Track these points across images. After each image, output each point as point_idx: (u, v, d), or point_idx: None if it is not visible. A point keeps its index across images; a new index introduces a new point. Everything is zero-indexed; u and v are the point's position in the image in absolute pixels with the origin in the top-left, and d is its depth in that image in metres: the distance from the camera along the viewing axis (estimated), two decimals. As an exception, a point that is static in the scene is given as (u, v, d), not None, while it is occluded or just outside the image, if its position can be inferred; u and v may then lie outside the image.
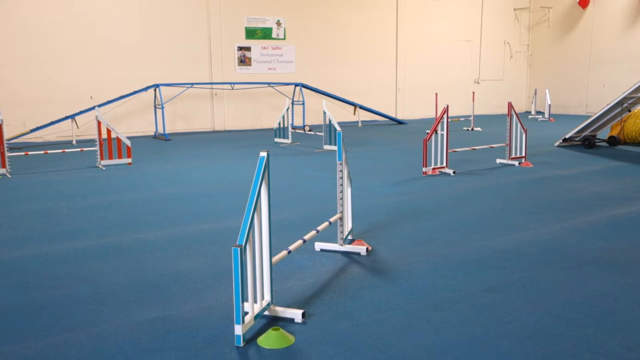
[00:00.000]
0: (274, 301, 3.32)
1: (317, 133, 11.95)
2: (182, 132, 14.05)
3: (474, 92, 15.78)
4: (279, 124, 11.53)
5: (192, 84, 13.65)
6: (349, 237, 4.68)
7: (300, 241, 3.88)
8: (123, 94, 12.61)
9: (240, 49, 14.76)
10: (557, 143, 10.88)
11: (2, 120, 8.05)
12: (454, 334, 3.03)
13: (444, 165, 7.97)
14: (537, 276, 3.90)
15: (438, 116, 8.12)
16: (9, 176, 7.97)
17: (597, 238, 4.80)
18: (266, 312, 3.25)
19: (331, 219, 4.35)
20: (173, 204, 6.24)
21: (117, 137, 8.83)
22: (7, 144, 8.34)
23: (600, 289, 3.66)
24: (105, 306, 3.45)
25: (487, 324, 3.15)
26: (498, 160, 8.80)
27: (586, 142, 10.54)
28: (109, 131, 8.71)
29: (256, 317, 3.10)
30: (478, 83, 19.33)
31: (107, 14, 13.02)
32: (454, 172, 7.86)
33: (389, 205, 6.07)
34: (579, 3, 18.41)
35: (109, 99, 12.47)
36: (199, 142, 12.32)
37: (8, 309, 3.43)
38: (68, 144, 11.60)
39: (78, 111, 11.99)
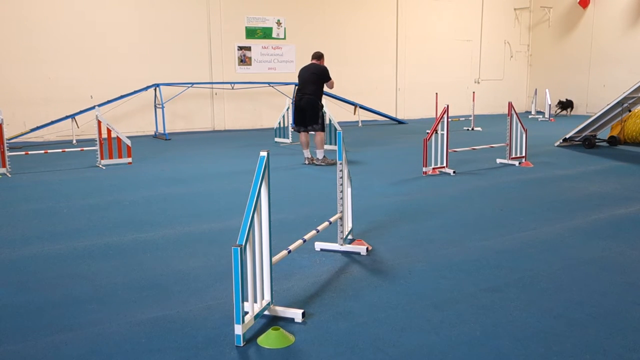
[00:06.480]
0: (274, 301, 3.32)
1: (317, 133, 11.94)
2: (182, 132, 14.05)
3: (474, 92, 15.76)
4: (279, 123, 11.53)
5: (192, 83, 13.65)
6: (349, 237, 4.67)
7: (300, 241, 3.87)
8: (123, 94, 12.60)
9: (240, 48, 14.76)
10: (557, 143, 10.88)
11: (2, 120, 8.05)
12: (454, 334, 3.03)
13: (444, 165, 7.97)
14: (537, 276, 3.90)
15: (438, 116, 8.12)
16: (9, 176, 7.97)
17: (597, 238, 4.80)
18: (266, 312, 3.25)
19: (331, 219, 4.35)
20: (173, 204, 6.24)
21: (117, 136, 8.83)
22: (7, 143, 8.33)
23: (600, 289, 3.66)
24: (105, 306, 3.45)
25: (487, 324, 3.15)
26: (498, 160, 8.80)
27: (586, 142, 10.54)
28: (109, 131, 8.71)
29: (256, 316, 3.10)
30: (478, 83, 19.32)
31: (107, 14, 13.02)
32: (454, 172, 7.86)
33: (389, 205, 6.07)
34: (579, 3, 18.41)
35: (109, 99, 12.47)
36: (199, 141, 12.32)
37: (8, 309, 3.43)
38: (68, 143, 11.60)
39: (78, 111, 11.99)
